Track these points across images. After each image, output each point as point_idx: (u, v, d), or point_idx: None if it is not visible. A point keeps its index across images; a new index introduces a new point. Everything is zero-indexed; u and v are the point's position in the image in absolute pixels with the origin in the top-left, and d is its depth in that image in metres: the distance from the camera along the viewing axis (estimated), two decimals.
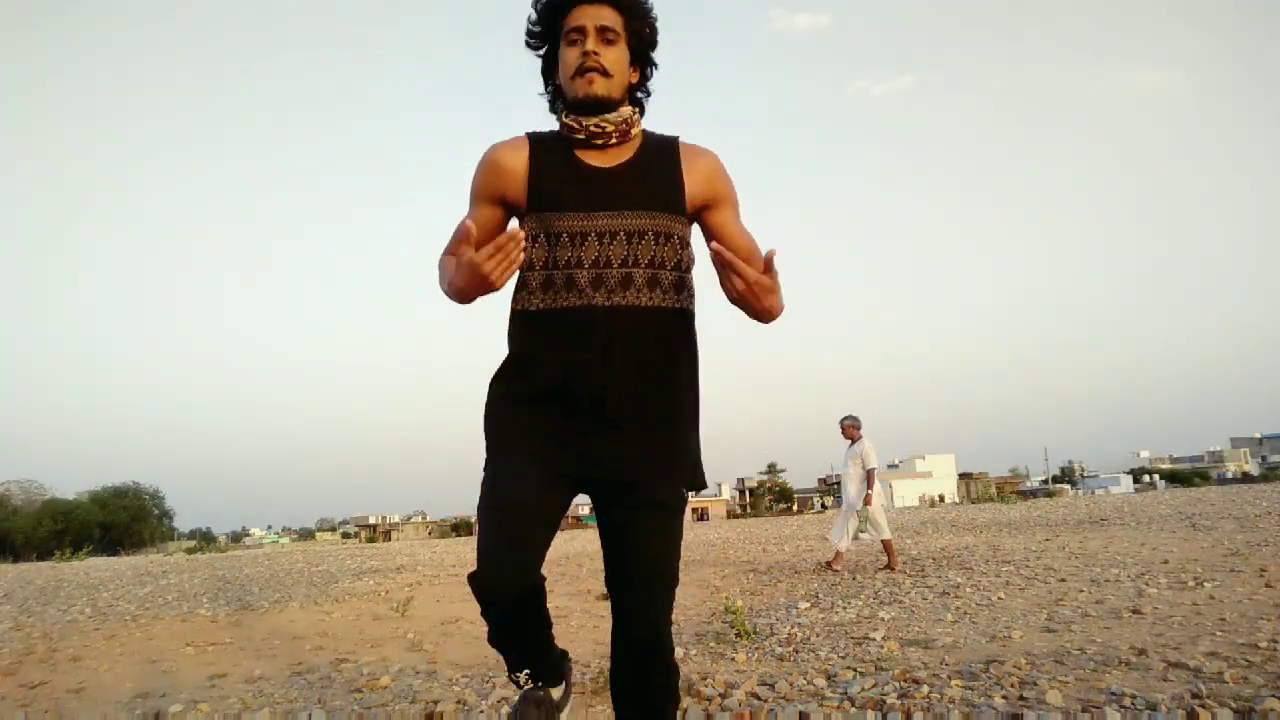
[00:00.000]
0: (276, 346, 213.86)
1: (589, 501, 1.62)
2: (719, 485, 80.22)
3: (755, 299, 1.44)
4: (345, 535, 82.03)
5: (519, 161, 1.55)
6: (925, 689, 3.11)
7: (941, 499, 65.87)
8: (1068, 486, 67.38)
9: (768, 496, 75.45)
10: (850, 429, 8.05)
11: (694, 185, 1.57)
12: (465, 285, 1.43)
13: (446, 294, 1.52)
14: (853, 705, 2.99)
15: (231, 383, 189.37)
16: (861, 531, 7.88)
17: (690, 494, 1.63)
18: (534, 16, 1.57)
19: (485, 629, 1.61)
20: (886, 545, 7.86)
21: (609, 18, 1.51)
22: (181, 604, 8.05)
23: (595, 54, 1.49)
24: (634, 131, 1.57)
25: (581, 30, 1.50)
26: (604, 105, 1.51)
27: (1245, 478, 69.03)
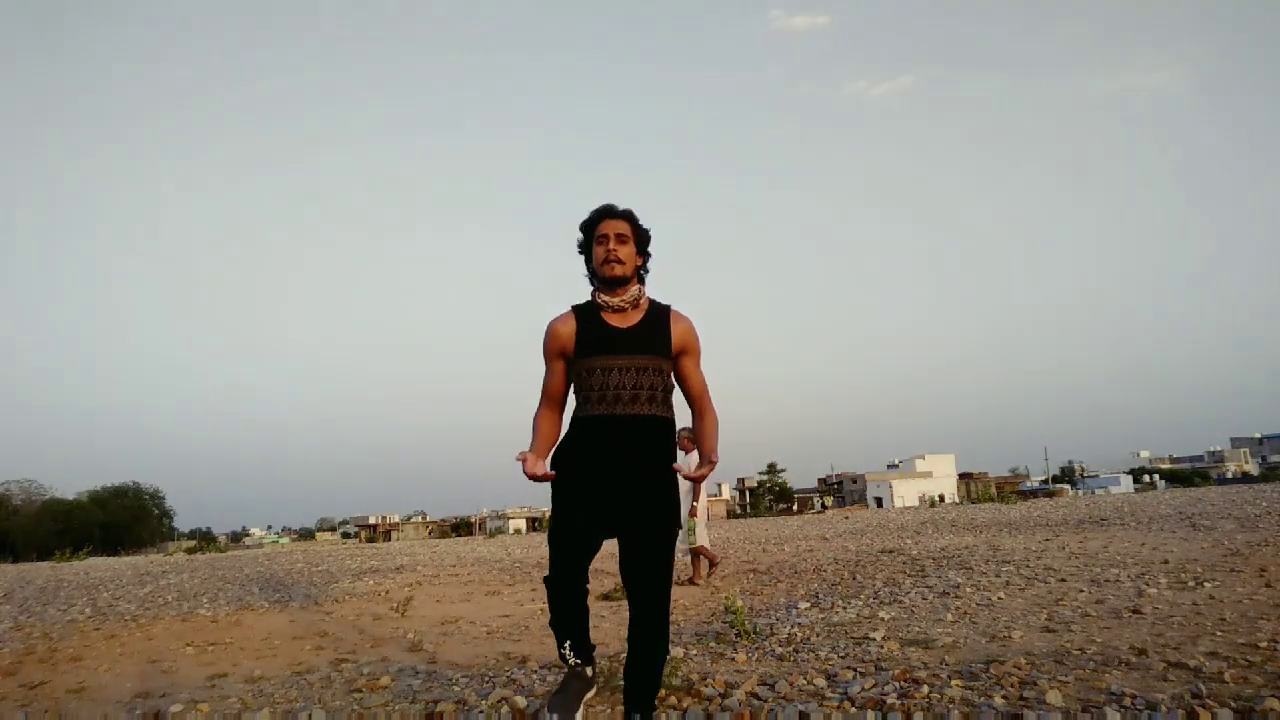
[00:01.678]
0: (276, 347, 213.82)
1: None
2: (719, 485, 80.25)
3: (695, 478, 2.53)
4: (345, 535, 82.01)
5: (570, 328, 2.60)
6: (925, 689, 3.11)
7: (941, 499, 65.86)
8: (1068, 486, 67.35)
9: (768, 496, 75.43)
10: (686, 441, 8.01)
11: (676, 340, 2.62)
12: (534, 448, 2.63)
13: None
14: (853, 705, 2.99)
15: (231, 383, 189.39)
16: (690, 544, 8.00)
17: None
18: (580, 234, 2.66)
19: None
20: (700, 550, 7.98)
21: (623, 227, 2.59)
22: (181, 604, 8.05)
23: (615, 251, 2.56)
24: (641, 302, 2.63)
25: (605, 236, 2.58)
26: (621, 281, 2.58)
27: (1245, 478, 69.03)
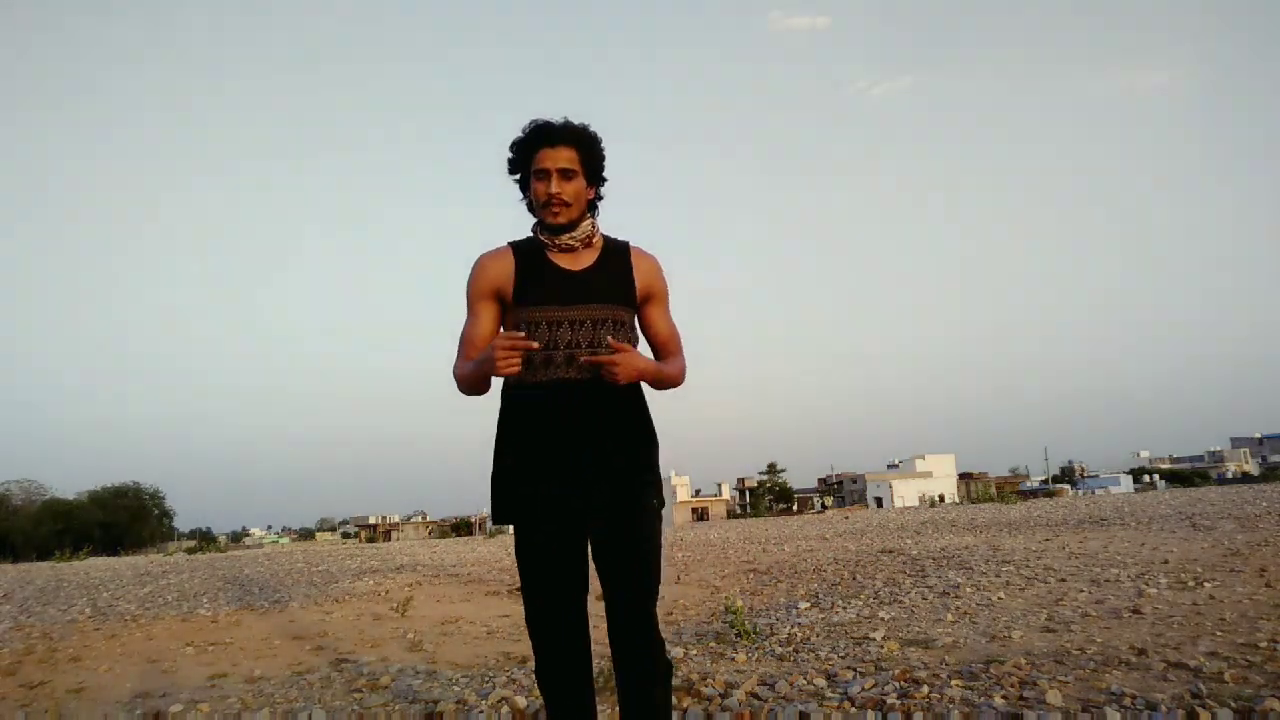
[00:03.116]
0: (277, 347, 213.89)
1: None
2: (719, 485, 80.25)
3: (626, 375, 1.89)
4: (345, 535, 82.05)
5: (505, 265, 2.01)
6: (925, 689, 3.11)
7: (941, 499, 65.87)
8: (1068, 486, 67.36)
9: (768, 496, 75.44)
10: None
11: (640, 283, 2.06)
12: (475, 371, 1.90)
13: (460, 389, 2.00)
14: (853, 705, 2.99)
15: (232, 383, 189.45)
16: None
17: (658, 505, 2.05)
18: (511, 156, 2.02)
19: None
20: None
21: (566, 158, 1.95)
22: (181, 604, 8.05)
23: (558, 194, 1.94)
24: (595, 239, 2.05)
25: (545, 172, 1.94)
26: (568, 228, 1.99)
27: (1245, 478, 69.02)
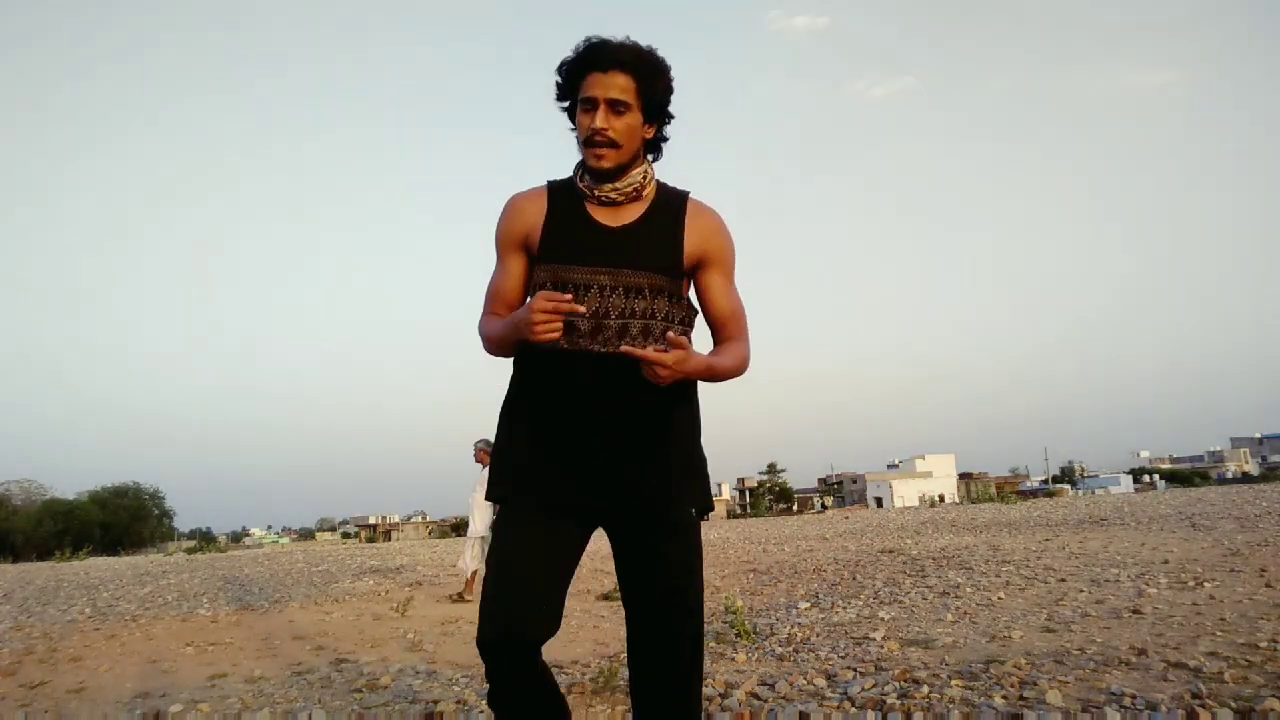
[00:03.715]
0: (277, 347, 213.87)
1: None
2: (719, 485, 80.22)
3: (673, 377, 1.50)
4: (345, 535, 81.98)
5: (538, 211, 1.69)
6: (925, 689, 3.11)
7: (941, 499, 65.85)
8: (1068, 486, 67.32)
9: (768, 496, 75.42)
10: (483, 453, 7.71)
11: (691, 244, 1.68)
12: (506, 333, 1.64)
13: (487, 349, 1.73)
14: (853, 705, 2.99)
15: (232, 383, 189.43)
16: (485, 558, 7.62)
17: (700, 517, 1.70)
18: (558, 80, 1.66)
19: None
20: (474, 577, 7.53)
21: (620, 87, 1.58)
22: (181, 604, 8.05)
23: (604, 130, 1.58)
24: (647, 190, 1.69)
25: (593, 102, 1.58)
26: (612, 175, 1.63)
27: (1245, 478, 68.98)
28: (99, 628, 6.44)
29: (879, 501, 71.80)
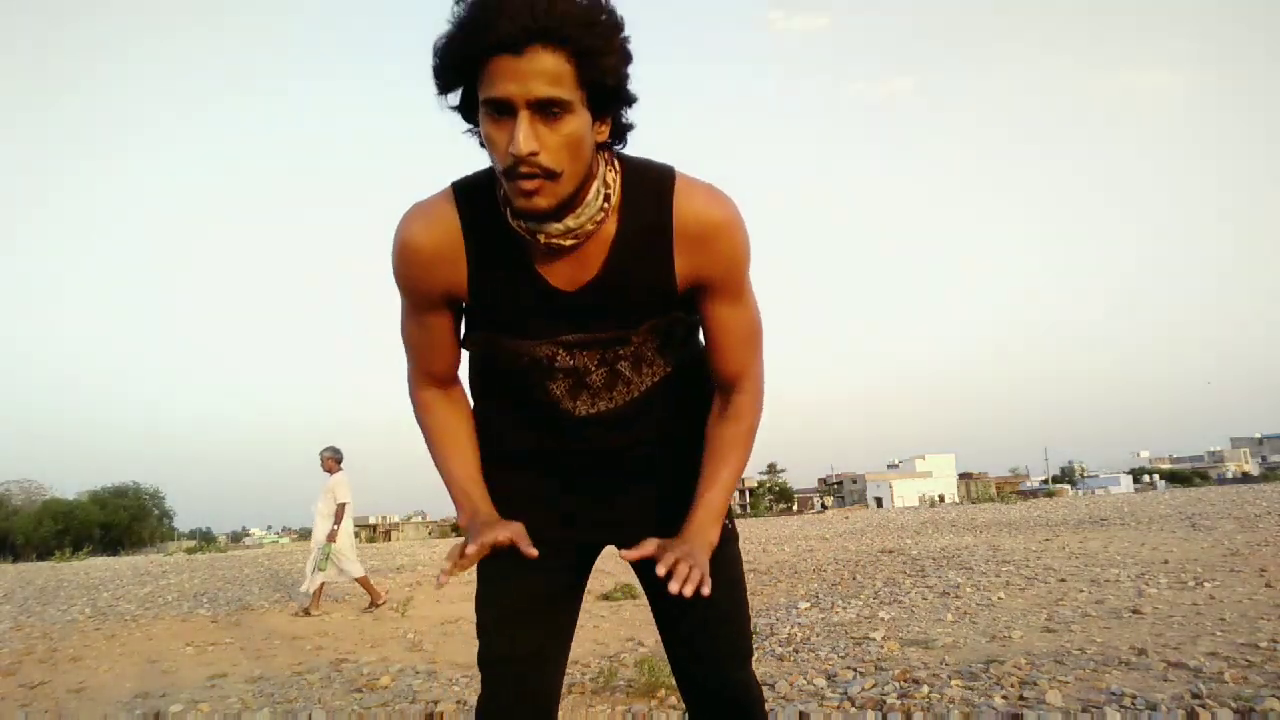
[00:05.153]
0: (276, 346, 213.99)
1: None
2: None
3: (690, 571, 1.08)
4: None
5: (453, 262, 1.12)
6: (925, 689, 3.11)
7: (941, 499, 65.89)
8: (1068, 486, 67.34)
9: (768, 496, 75.45)
10: (329, 461, 7.35)
11: (686, 268, 1.13)
12: (444, 481, 1.25)
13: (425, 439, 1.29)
14: (853, 705, 2.99)
15: (232, 383, 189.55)
16: (320, 570, 6.95)
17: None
18: (437, 62, 0.99)
19: None
20: (363, 582, 7.11)
21: (549, 76, 0.94)
22: (181, 604, 8.06)
23: (533, 155, 0.95)
24: (605, 212, 1.08)
25: (506, 106, 0.95)
26: (556, 214, 1.03)
27: (1245, 478, 68.98)
28: (99, 628, 6.44)
29: (879, 501, 71.84)
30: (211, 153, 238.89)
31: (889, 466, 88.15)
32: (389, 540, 52.66)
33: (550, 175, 0.97)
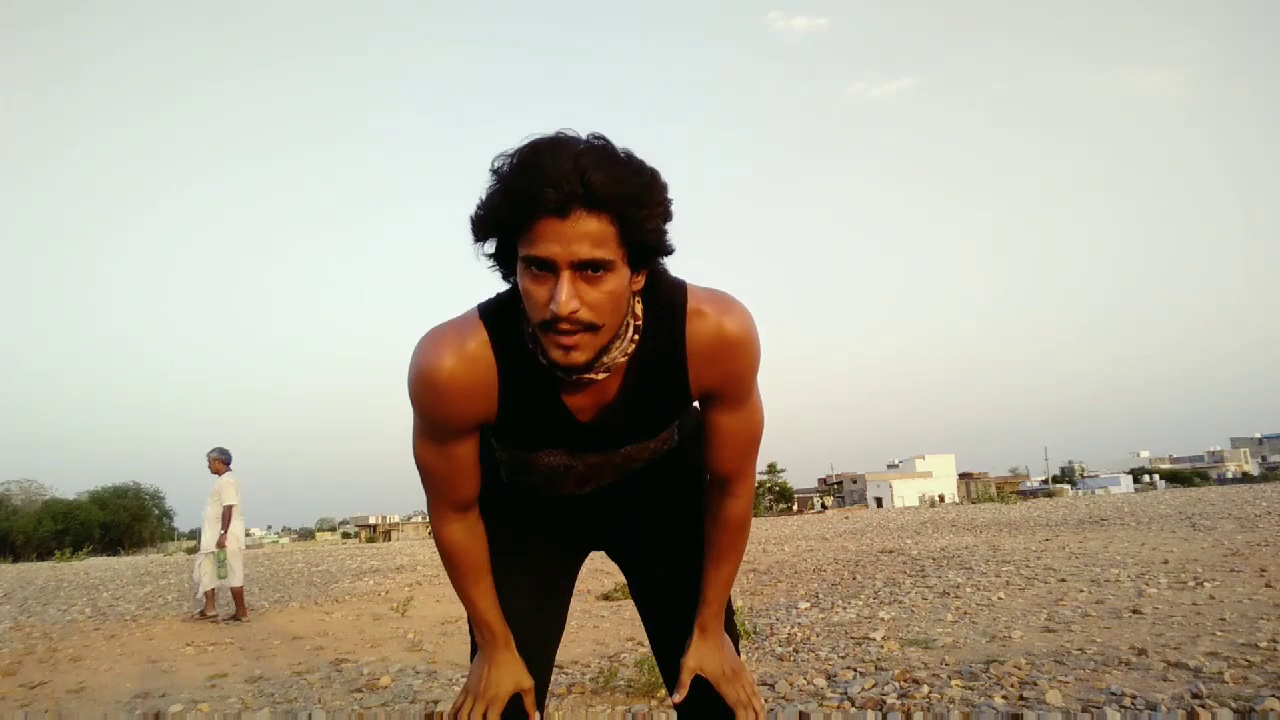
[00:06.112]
0: (276, 346, 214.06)
1: None
2: None
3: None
4: (345, 535, 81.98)
5: (486, 394, 1.14)
6: (925, 689, 3.11)
7: (941, 499, 65.85)
8: (1067, 486, 67.30)
9: (767, 496, 75.46)
10: (216, 463, 7.05)
11: (699, 385, 1.18)
12: (469, 614, 1.33)
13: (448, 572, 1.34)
14: (853, 705, 2.99)
15: (231, 382, 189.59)
16: (222, 577, 6.76)
17: None
18: (480, 213, 1.02)
19: None
20: (236, 594, 6.83)
21: (593, 239, 0.96)
22: (181, 604, 8.06)
23: (573, 312, 0.97)
24: (626, 352, 1.12)
25: (549, 265, 0.97)
26: (586, 367, 1.07)
27: (1245, 478, 68.98)
28: (99, 628, 6.44)
29: (879, 501, 71.82)
30: (210, 152, 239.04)
31: (889, 466, 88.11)
32: (389, 540, 52.64)
33: (590, 329, 1.01)
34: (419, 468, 1.23)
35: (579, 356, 1.02)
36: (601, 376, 1.10)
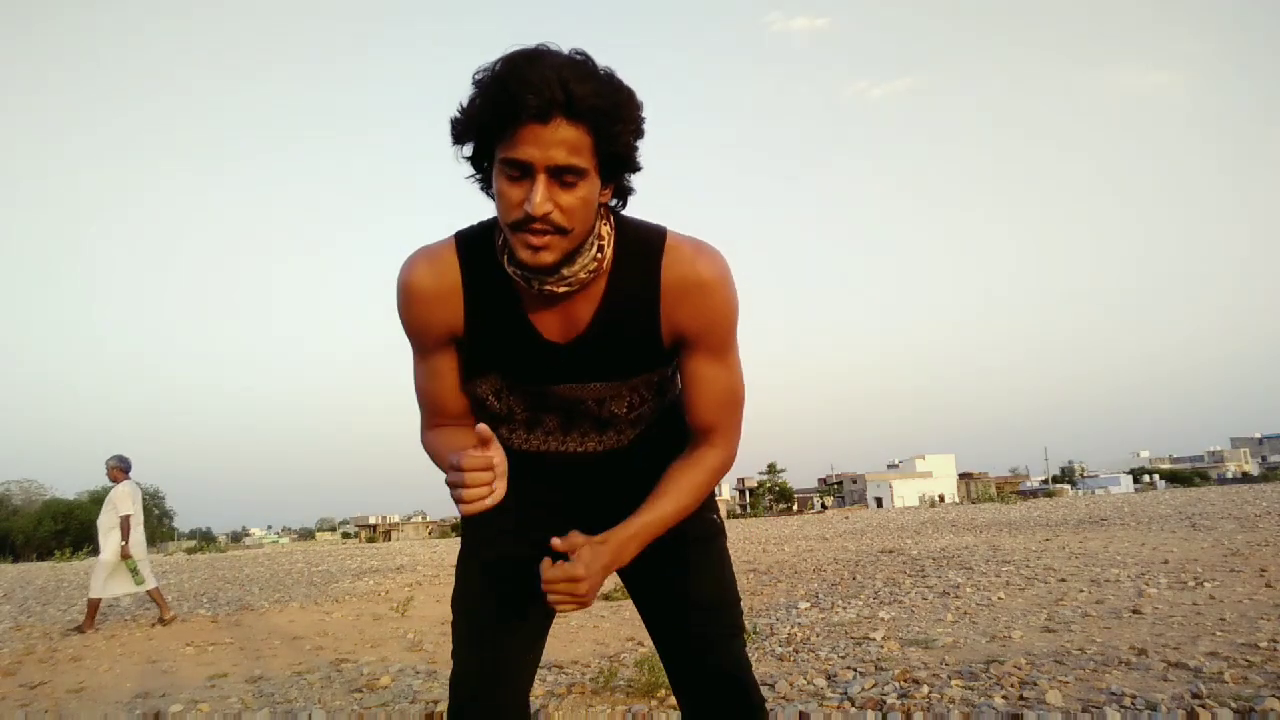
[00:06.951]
0: (276, 346, 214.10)
1: None
2: (719, 485, 79.96)
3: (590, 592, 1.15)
4: (345, 535, 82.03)
5: (452, 307, 1.19)
6: (925, 689, 3.11)
7: (941, 499, 65.87)
8: (1068, 486, 67.32)
9: (767, 496, 75.44)
10: (115, 470, 6.83)
11: (671, 325, 1.19)
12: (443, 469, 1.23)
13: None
14: (853, 705, 2.99)
15: (231, 382, 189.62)
16: (139, 584, 6.65)
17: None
18: (459, 117, 1.07)
19: None
20: (155, 595, 6.77)
21: (569, 146, 1.01)
22: (181, 604, 8.06)
23: (547, 214, 1.02)
24: (603, 267, 1.16)
25: (525, 168, 1.02)
26: (553, 270, 1.10)
27: (1245, 478, 68.99)
28: (99, 628, 6.44)
29: (879, 501, 71.82)
30: (211, 150, 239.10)
31: (889, 466, 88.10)
32: (389, 540, 52.64)
33: (560, 232, 1.05)
34: (416, 397, 1.31)
35: (547, 257, 1.06)
36: (563, 290, 1.13)
